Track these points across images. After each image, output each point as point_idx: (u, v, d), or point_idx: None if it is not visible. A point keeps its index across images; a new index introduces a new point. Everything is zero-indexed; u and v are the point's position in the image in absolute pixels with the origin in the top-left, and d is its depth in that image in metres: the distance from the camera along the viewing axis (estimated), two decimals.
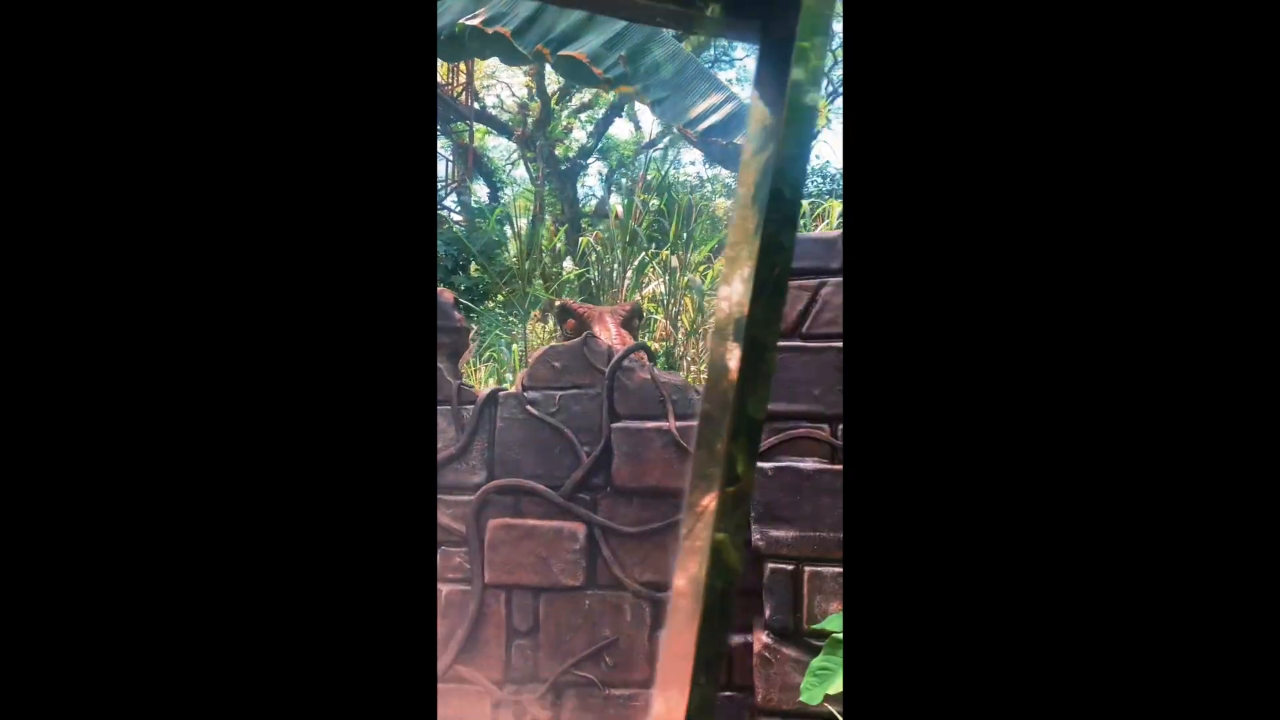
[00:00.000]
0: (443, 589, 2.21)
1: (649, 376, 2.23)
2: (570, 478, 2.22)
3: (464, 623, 2.18)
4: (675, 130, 2.89)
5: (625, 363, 2.24)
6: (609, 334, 2.42)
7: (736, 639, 2.13)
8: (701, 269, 4.15)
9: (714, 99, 2.84)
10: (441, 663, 2.13)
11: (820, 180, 7.92)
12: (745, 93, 3.34)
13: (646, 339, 3.38)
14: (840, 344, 1.98)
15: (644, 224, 4.21)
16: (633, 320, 2.69)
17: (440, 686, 2.15)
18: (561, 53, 2.80)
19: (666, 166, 7.84)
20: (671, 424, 2.16)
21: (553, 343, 2.35)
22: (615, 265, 4.07)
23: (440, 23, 3.00)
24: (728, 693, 2.11)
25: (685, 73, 2.89)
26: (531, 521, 2.21)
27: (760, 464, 2.01)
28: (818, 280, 2.01)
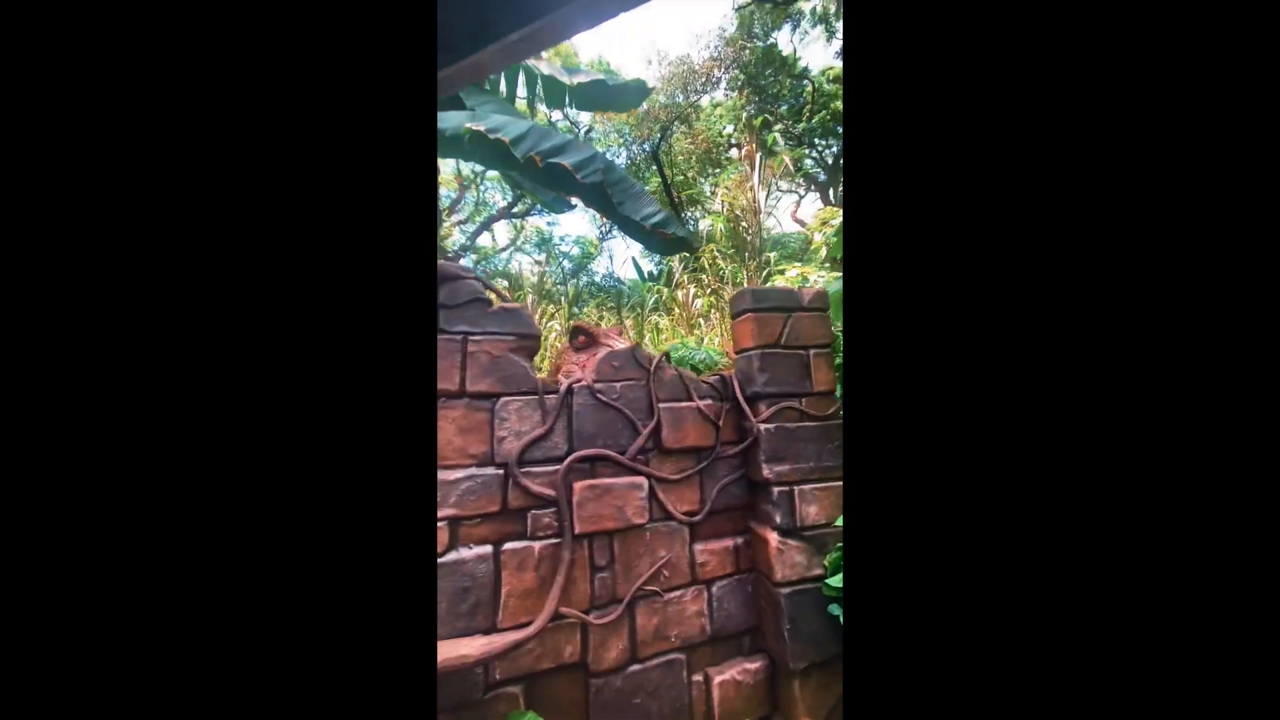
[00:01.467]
0: (535, 546, 2.81)
1: (675, 373, 3.26)
2: (634, 444, 3.09)
3: (561, 570, 2.78)
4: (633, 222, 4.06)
5: (658, 364, 3.25)
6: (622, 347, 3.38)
7: (739, 540, 3.15)
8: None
9: (651, 206, 4.11)
10: (547, 609, 2.64)
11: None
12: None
13: None
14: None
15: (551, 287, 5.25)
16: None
17: (551, 627, 2.72)
18: (550, 160, 3.83)
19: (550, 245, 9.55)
20: (697, 402, 3.21)
21: (610, 349, 3.25)
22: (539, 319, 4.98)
23: (441, 125, 3.81)
24: (750, 573, 3.09)
25: (634, 187, 4.13)
26: (607, 480, 3.01)
27: (764, 425, 3.16)
28: None
